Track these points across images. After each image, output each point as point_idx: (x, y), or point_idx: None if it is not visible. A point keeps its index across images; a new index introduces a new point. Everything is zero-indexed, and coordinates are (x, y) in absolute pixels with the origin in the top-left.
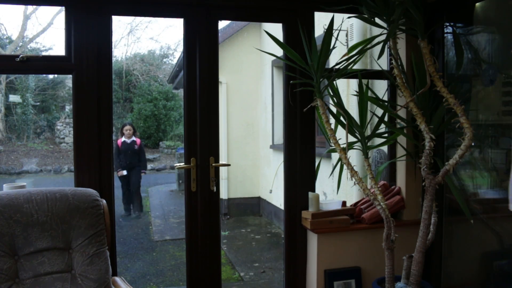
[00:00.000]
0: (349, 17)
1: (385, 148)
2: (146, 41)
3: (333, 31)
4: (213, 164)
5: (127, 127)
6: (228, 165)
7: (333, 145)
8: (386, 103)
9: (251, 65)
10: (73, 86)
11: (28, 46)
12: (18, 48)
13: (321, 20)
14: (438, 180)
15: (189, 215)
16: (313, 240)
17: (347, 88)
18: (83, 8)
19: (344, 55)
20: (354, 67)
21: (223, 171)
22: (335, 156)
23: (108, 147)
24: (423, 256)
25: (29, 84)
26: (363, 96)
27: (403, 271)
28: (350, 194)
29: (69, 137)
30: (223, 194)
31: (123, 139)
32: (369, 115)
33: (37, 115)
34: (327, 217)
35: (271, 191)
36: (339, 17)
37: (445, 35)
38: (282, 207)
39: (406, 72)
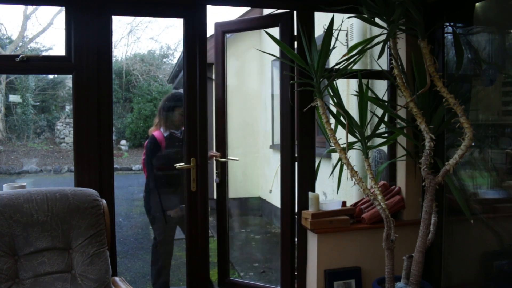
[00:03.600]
0: (349, 17)
1: (385, 148)
2: (146, 41)
3: (333, 31)
4: (220, 160)
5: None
6: (237, 159)
7: (333, 145)
8: (386, 103)
9: (251, 65)
10: (73, 86)
11: (28, 46)
12: (18, 48)
13: (321, 20)
14: (438, 180)
15: (189, 215)
16: (313, 240)
17: (347, 88)
18: (83, 8)
19: (344, 55)
20: (354, 67)
21: None
22: (335, 156)
23: (108, 147)
24: (423, 256)
25: (29, 84)
26: (363, 96)
27: (403, 271)
28: (350, 194)
29: (69, 137)
30: None
31: (167, 132)
32: (369, 115)
33: (37, 115)
34: (327, 217)
35: (271, 191)
36: (339, 17)
37: (445, 35)
38: (280, 206)
39: (406, 72)
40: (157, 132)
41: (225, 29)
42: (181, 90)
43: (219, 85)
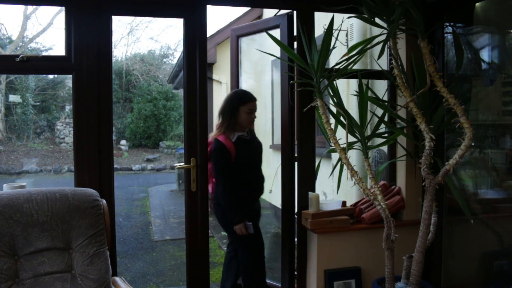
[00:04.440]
0: (349, 17)
1: (385, 148)
2: (146, 41)
3: (333, 31)
4: None
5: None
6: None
7: (333, 145)
8: (386, 103)
9: (251, 65)
10: (73, 86)
11: (28, 46)
12: (18, 48)
13: (321, 20)
14: (438, 180)
15: (189, 215)
16: (313, 240)
17: (347, 88)
18: (83, 8)
19: (344, 55)
20: (354, 67)
21: None
22: (335, 156)
23: (108, 147)
24: (423, 256)
25: (29, 84)
26: (363, 96)
27: (403, 271)
28: (350, 194)
29: (69, 137)
30: None
31: (235, 135)
32: (369, 115)
33: (37, 115)
34: (327, 217)
35: (271, 191)
36: (339, 17)
37: (445, 35)
38: (280, 206)
39: (406, 72)
40: (222, 136)
41: (239, 33)
42: (241, 88)
43: (234, 87)
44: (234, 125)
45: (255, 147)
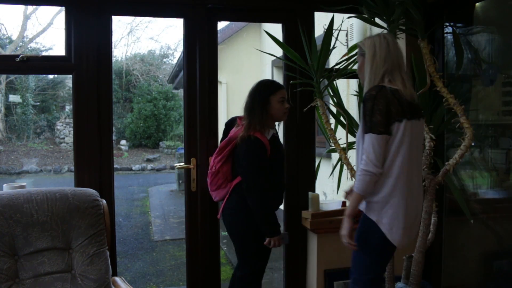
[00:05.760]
0: (349, 17)
1: None
2: (146, 41)
3: (333, 31)
4: None
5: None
6: None
7: (333, 145)
8: None
9: (251, 65)
10: (73, 86)
11: (28, 46)
12: (18, 48)
13: (321, 20)
14: (438, 180)
15: (189, 215)
16: (313, 240)
17: (347, 88)
18: (83, 8)
19: (344, 55)
20: (354, 67)
21: None
22: (335, 156)
23: (108, 147)
24: (423, 256)
25: (29, 84)
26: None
27: (403, 271)
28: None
29: (69, 137)
30: None
31: (270, 132)
32: None
33: (37, 115)
34: (327, 217)
35: None
36: (339, 17)
37: (445, 35)
38: (282, 207)
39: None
40: (258, 134)
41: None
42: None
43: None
44: (267, 120)
45: (282, 147)
